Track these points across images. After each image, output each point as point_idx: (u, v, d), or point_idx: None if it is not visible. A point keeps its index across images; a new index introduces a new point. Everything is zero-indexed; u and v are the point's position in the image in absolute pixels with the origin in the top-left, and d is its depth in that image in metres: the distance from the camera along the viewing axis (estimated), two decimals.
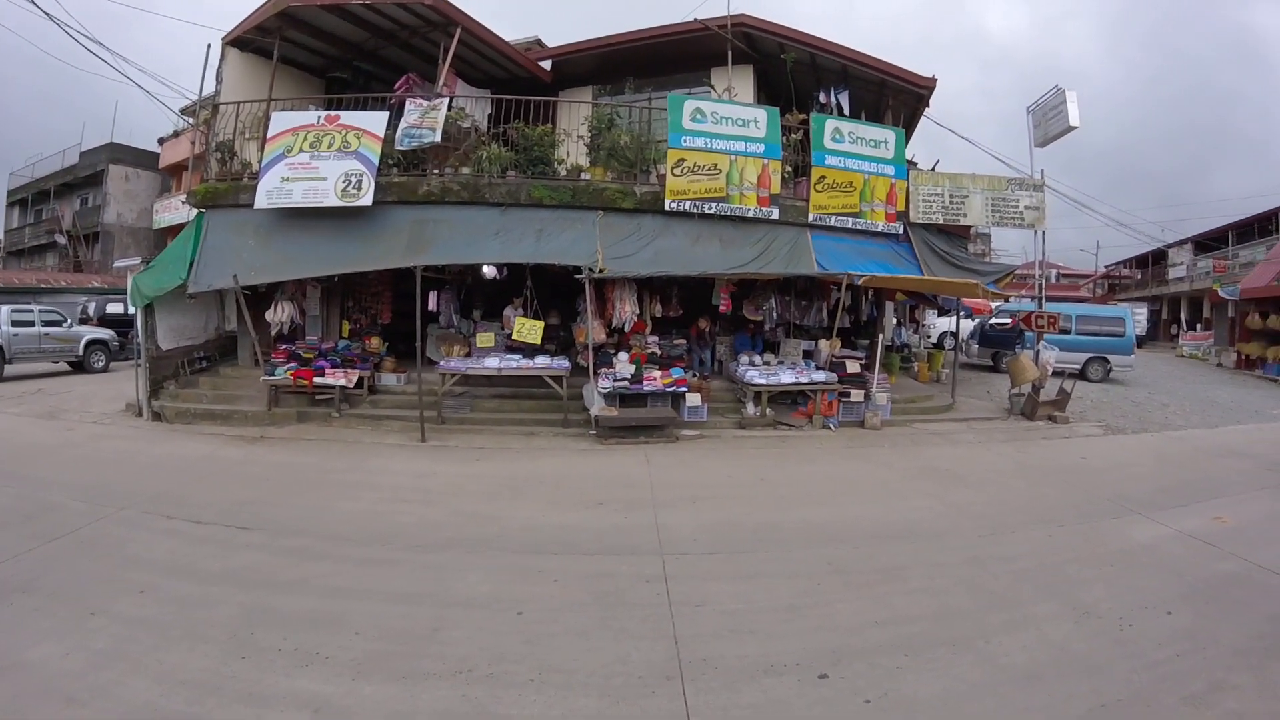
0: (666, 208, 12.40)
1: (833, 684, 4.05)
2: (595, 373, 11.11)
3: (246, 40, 13.40)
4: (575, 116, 13.67)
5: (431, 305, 12.67)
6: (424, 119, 11.97)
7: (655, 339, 12.70)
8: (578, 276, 10.84)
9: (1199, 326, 36.18)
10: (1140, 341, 31.86)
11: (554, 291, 13.13)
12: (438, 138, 11.86)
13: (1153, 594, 5.83)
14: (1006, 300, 21.76)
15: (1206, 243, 37.99)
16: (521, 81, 15.33)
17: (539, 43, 17.94)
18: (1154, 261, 43.92)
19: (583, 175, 12.78)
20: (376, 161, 11.65)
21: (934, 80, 14.76)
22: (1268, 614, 5.60)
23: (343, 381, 11.25)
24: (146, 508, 6.78)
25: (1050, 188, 15.48)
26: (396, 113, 12.26)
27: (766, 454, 10.27)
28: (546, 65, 15.92)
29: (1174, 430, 14.32)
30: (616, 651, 4.24)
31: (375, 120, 11.96)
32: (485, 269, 13.25)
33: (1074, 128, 14.78)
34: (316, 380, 11.14)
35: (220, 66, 13.72)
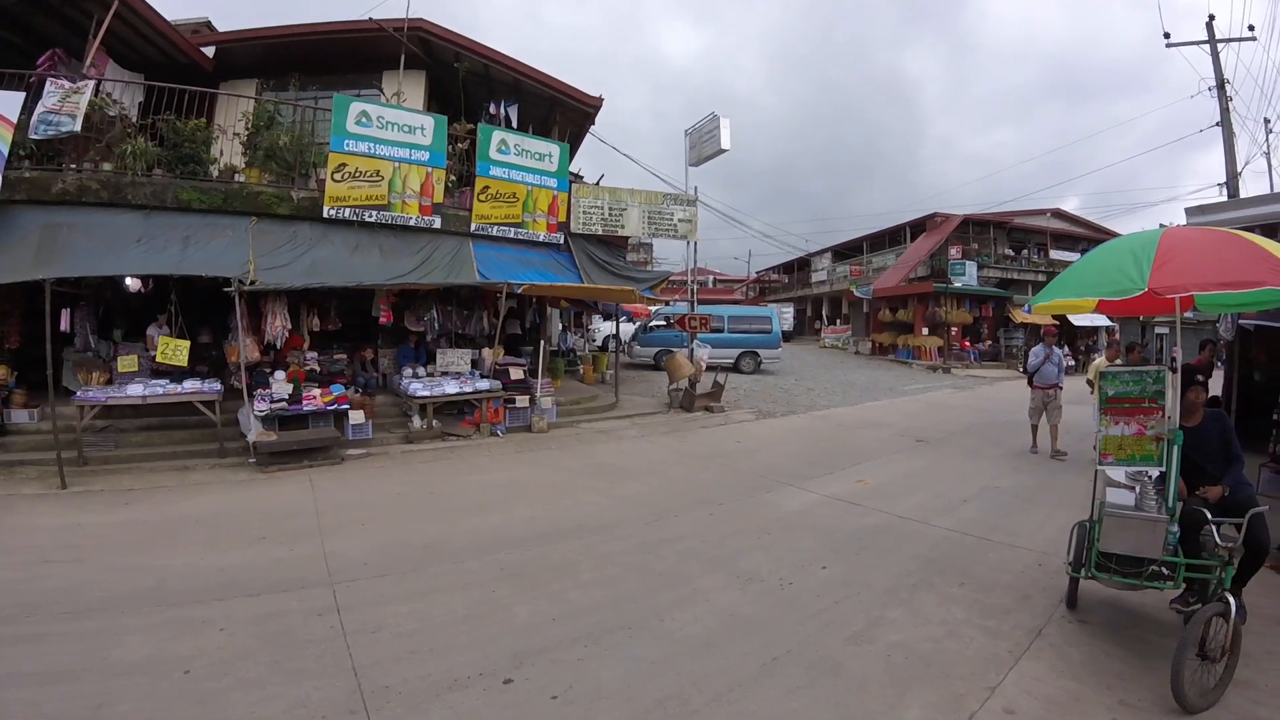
0: (325, 214, 12.51)
1: (519, 687, 4.33)
2: (250, 395, 10.87)
3: None
4: (234, 112, 13.32)
5: (65, 325, 11.36)
6: (65, 104, 10.98)
7: (314, 355, 12.68)
8: (227, 290, 10.41)
9: (838, 321, 43.70)
10: (788, 336, 37.99)
11: (204, 306, 12.34)
12: (78, 126, 10.93)
13: (808, 554, 6.93)
14: (667, 304, 24.67)
15: (845, 251, 46.80)
16: (180, 67, 14.62)
17: (208, 25, 17.16)
18: (799, 267, 53.69)
19: (237, 177, 12.44)
20: (6, 152, 10.40)
21: (601, 100, 16.54)
22: (911, 555, 6.96)
23: None
24: None
25: (704, 203, 18.03)
26: (35, 94, 11.08)
27: (435, 467, 10.71)
28: (210, 52, 15.13)
29: (819, 410, 17.32)
30: (295, 695, 4.21)
31: (7, 102, 10.70)
32: (128, 281, 12.09)
33: (725, 150, 17.28)
34: None
35: None
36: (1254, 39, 19.74)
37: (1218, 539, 4.74)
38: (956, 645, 5.06)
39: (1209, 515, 4.86)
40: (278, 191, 12.43)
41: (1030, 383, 12.59)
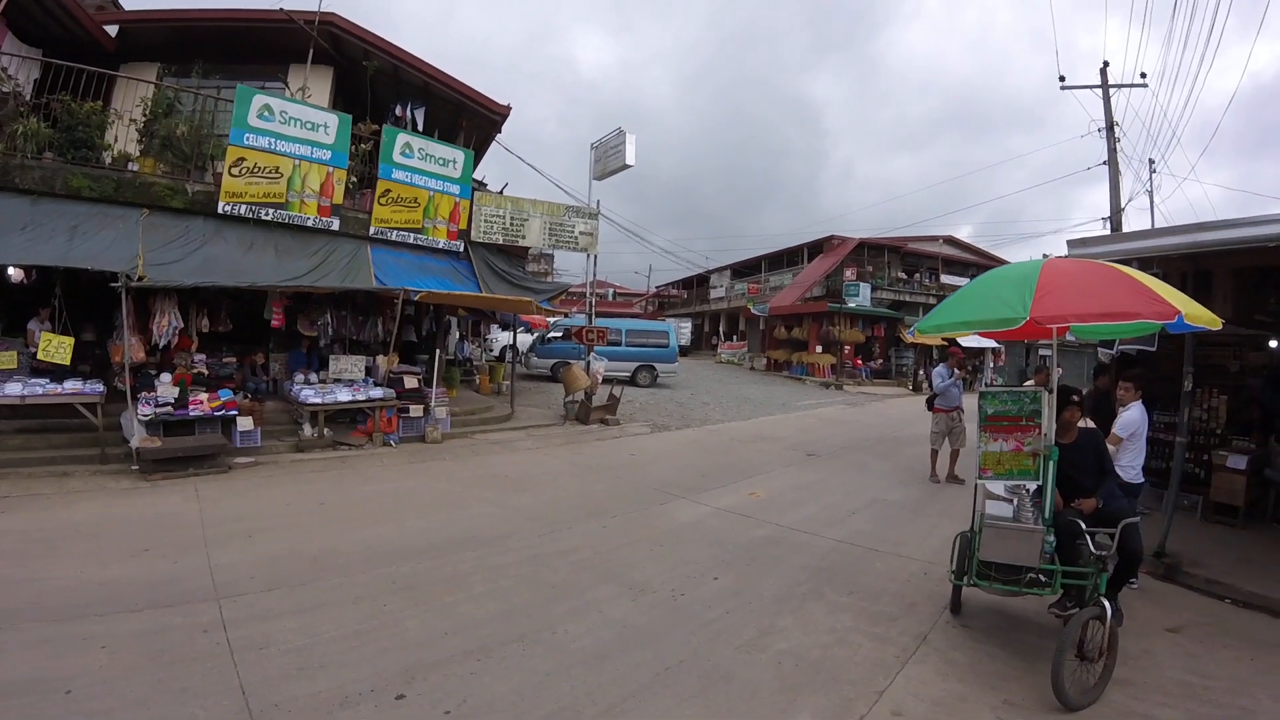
0: (220, 210, 12.38)
1: (411, 703, 4.34)
2: (134, 398, 10.57)
3: None
4: (133, 96, 13.02)
5: None
6: None
7: (203, 357, 12.36)
8: (113, 285, 10.06)
9: (735, 337, 45.21)
10: (685, 351, 39.25)
11: (89, 301, 11.65)
12: None
13: (700, 565, 7.18)
14: (566, 316, 25.15)
15: (743, 269, 48.90)
16: (81, 45, 14.06)
17: (114, 2, 16.59)
18: (699, 283, 56.01)
19: (130, 166, 12.18)
20: None
21: (509, 108, 16.84)
22: (799, 565, 7.32)
23: None
24: None
25: (606, 216, 18.53)
26: None
27: (326, 476, 10.64)
28: (113, 31, 14.59)
29: (713, 424, 17.94)
30: (181, 715, 4.15)
31: None
32: (10, 271, 11.52)
33: (629, 166, 17.76)
34: None
35: None
36: (1145, 85, 21.44)
37: (1092, 548, 5.07)
38: (845, 651, 5.35)
39: (1084, 525, 5.23)
40: (172, 183, 12.26)
41: (931, 406, 12.48)
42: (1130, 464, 7.13)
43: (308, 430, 12.48)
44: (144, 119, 12.84)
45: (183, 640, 5.11)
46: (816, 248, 41.37)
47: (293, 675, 4.65)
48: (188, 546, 7.20)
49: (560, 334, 26.03)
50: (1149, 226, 19.64)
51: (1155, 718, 4.59)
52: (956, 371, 12.48)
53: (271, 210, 12.94)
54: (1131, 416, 7.19)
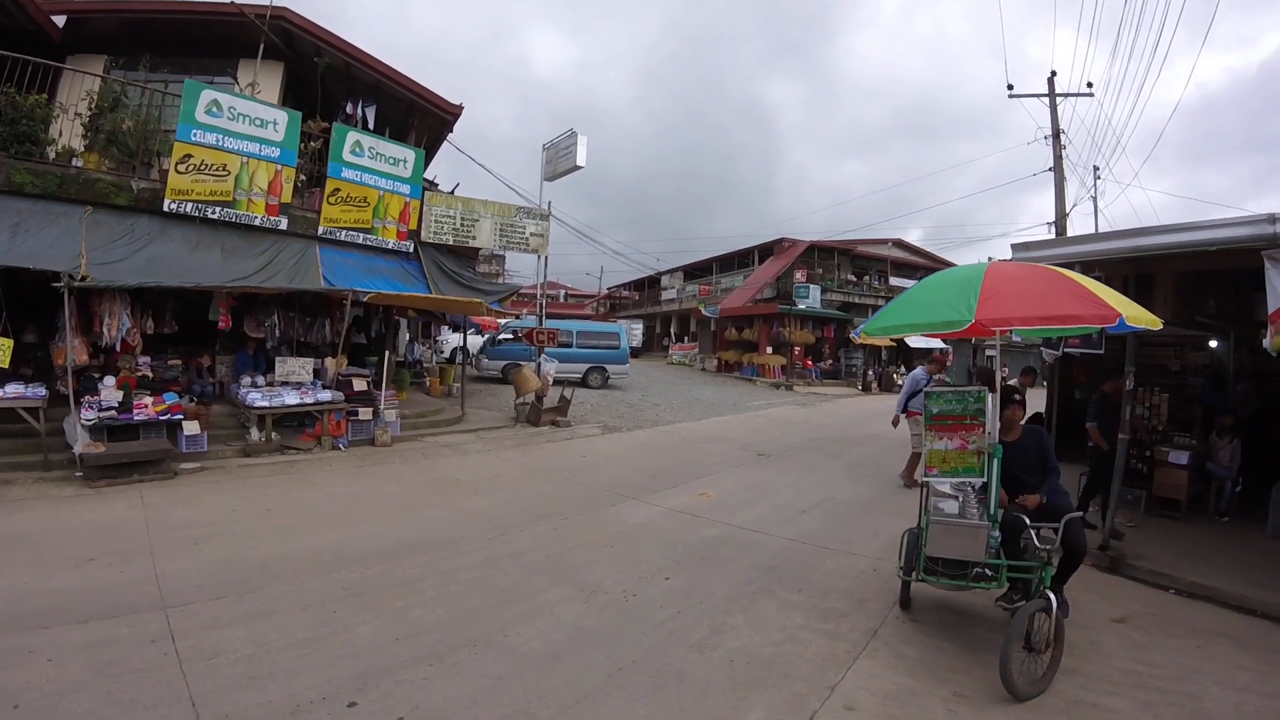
0: (166, 208, 12.18)
1: (362, 710, 4.32)
2: (77, 401, 10.24)
3: None
4: (79, 89, 12.72)
5: None
6: None
7: (147, 360, 12.10)
8: (55, 285, 9.77)
9: (686, 339, 45.62)
10: (636, 352, 39.58)
11: (31, 302, 11.26)
12: None
13: (651, 565, 7.27)
14: (517, 317, 25.13)
15: (695, 271, 49.54)
16: (27, 36, 13.70)
17: None
18: (650, 285, 56.65)
19: (75, 161, 11.89)
20: None
21: (460, 108, 16.82)
22: (750, 564, 7.41)
23: None
24: None
25: (558, 218, 18.56)
26: None
27: (274, 481, 10.51)
28: (60, 21, 14.27)
29: (664, 425, 18.07)
30: None
31: None
32: None
33: (580, 167, 17.85)
34: None
35: None
36: (1091, 95, 22.08)
37: (1037, 542, 5.27)
38: (796, 648, 5.43)
39: (1028, 521, 5.42)
40: (117, 180, 12.00)
41: (906, 411, 12.13)
42: None
43: (255, 434, 12.27)
44: (90, 113, 12.55)
45: (130, 651, 5.04)
46: (767, 250, 42.06)
47: (243, 684, 4.62)
48: (134, 555, 7.10)
49: (511, 336, 26.07)
50: (1093, 231, 20.18)
51: (1103, 706, 4.73)
52: (936, 378, 12.30)
53: (218, 209, 12.72)
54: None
